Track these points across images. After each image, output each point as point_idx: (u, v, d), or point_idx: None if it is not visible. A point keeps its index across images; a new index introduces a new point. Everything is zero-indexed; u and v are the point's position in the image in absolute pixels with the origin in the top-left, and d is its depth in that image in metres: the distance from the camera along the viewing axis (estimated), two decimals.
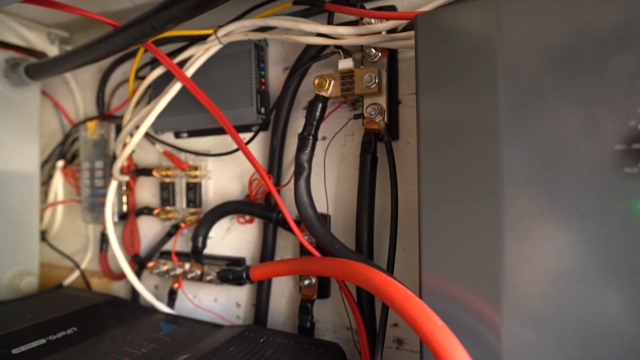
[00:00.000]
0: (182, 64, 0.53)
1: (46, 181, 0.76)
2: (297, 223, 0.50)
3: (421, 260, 0.35)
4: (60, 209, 0.76)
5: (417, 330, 0.29)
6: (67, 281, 0.72)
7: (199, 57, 0.53)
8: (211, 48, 0.52)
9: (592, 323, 0.28)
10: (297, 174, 0.47)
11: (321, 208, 0.53)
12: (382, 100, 0.46)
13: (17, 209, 0.69)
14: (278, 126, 0.53)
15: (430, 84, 0.34)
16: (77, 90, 0.74)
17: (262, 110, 0.54)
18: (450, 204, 0.33)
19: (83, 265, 0.73)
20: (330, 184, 0.53)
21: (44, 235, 0.76)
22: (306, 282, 0.50)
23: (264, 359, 0.41)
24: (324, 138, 0.53)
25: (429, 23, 0.34)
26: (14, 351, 0.45)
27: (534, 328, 0.30)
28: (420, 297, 0.34)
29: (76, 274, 0.72)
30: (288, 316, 0.56)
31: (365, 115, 0.46)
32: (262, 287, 0.55)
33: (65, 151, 0.75)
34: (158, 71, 0.54)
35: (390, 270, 0.43)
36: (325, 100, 0.47)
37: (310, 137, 0.47)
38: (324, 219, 0.52)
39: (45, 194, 0.76)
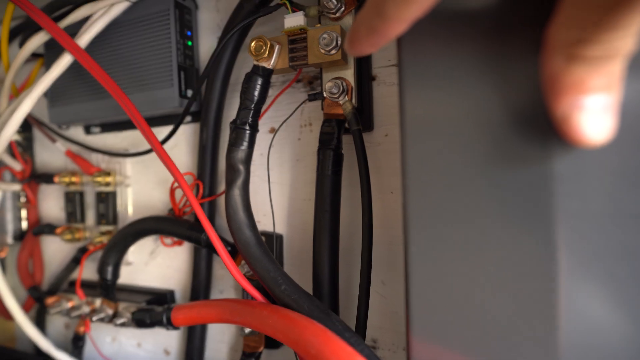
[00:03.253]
0: (77, 28, 0.39)
1: None
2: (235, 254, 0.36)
3: (410, 317, 0.21)
4: None
5: None
6: None
7: (96, 19, 0.38)
8: (114, 7, 0.38)
9: None
10: (229, 181, 0.33)
11: (268, 226, 0.39)
12: (349, 74, 0.33)
13: None
14: (208, 114, 0.39)
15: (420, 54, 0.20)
16: None
17: (188, 93, 0.40)
18: (462, 228, 0.20)
19: None
20: (282, 192, 0.39)
21: None
22: (248, 330, 0.36)
23: None
24: (271, 130, 0.39)
25: None
26: None
27: None
28: None
29: None
30: None
31: (324, 94, 0.33)
32: (194, 330, 0.41)
33: None
34: (38, 39, 0.39)
35: (363, 315, 0.30)
36: (267, 73, 0.33)
37: (247, 127, 0.33)
38: (273, 241, 0.38)
39: None
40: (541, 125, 0.18)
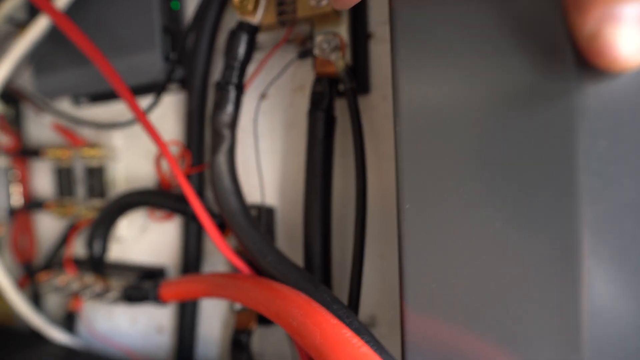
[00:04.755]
0: None
1: None
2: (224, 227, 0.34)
3: (403, 287, 0.19)
4: None
5: None
6: None
7: None
8: None
9: None
10: (213, 147, 0.31)
11: (264, 199, 0.37)
12: (342, 30, 0.30)
13: None
14: (194, 79, 0.36)
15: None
16: None
17: (173, 56, 0.37)
18: (462, 183, 0.17)
19: None
20: (273, 162, 0.36)
21: None
22: (238, 305, 0.35)
23: None
24: (263, 96, 0.37)
25: None
26: None
27: None
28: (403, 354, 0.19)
29: None
30: (224, 349, 0.40)
31: (315, 51, 0.30)
32: (186, 306, 0.40)
33: None
34: (12, 2, 0.37)
35: (355, 288, 0.28)
36: (252, 29, 0.30)
37: (232, 87, 0.30)
38: (262, 214, 0.36)
39: None
40: (560, 50, 0.15)
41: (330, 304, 0.22)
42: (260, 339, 0.38)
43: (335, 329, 0.17)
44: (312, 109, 0.30)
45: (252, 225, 0.29)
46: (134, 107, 0.31)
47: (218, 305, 0.40)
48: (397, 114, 0.19)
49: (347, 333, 0.17)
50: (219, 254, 0.40)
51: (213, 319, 0.41)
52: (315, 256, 0.29)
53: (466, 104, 0.17)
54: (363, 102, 0.32)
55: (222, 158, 0.30)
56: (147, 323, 0.45)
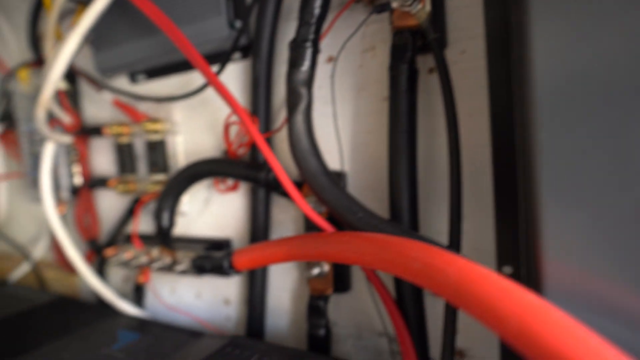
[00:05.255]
0: None
1: None
2: (299, 185, 0.34)
3: (540, 241, 0.18)
4: (3, 187, 0.60)
5: None
6: (15, 276, 0.57)
7: None
8: None
9: None
10: (290, 106, 0.30)
11: (333, 164, 0.36)
12: None
13: None
14: (261, 44, 0.35)
15: None
16: (10, 32, 0.57)
17: (238, 23, 0.37)
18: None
19: (37, 255, 0.58)
20: (343, 127, 0.36)
21: None
22: (315, 271, 0.34)
23: None
24: (330, 59, 0.36)
25: None
26: None
27: None
28: None
29: (25, 267, 0.57)
30: (295, 318, 0.40)
31: (394, 4, 0.29)
32: (255, 278, 0.39)
33: (5, 114, 0.59)
34: None
35: (455, 245, 0.27)
36: None
37: (308, 44, 0.29)
38: (340, 177, 0.35)
39: None
40: None
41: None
42: (333, 307, 0.37)
43: (470, 264, 0.16)
44: (393, 63, 0.29)
45: (335, 185, 0.28)
46: (206, 70, 0.31)
47: (288, 275, 0.40)
48: (528, 79, 0.18)
49: (482, 268, 0.16)
50: (288, 224, 0.39)
51: (282, 290, 0.40)
52: (403, 212, 0.28)
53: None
54: None
55: (300, 117, 0.30)
56: (213, 296, 0.45)
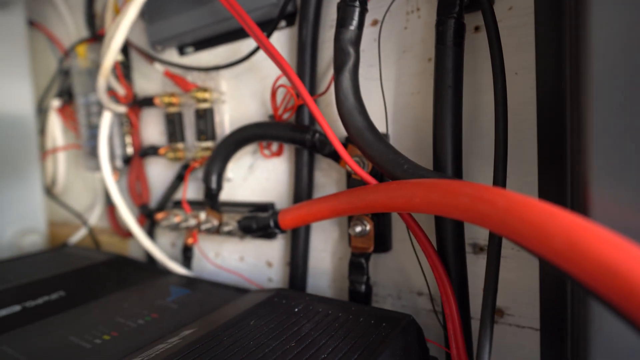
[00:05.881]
0: None
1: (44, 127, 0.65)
2: (344, 146, 0.35)
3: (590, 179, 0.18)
4: (61, 157, 0.65)
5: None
6: (74, 239, 0.62)
7: None
8: None
9: None
10: (338, 65, 0.31)
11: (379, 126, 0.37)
12: None
13: (12, 159, 0.59)
14: (307, 8, 0.37)
15: None
16: (68, 13, 0.61)
17: None
18: None
19: (92, 221, 0.62)
20: (386, 89, 0.36)
21: (49, 190, 0.67)
22: (357, 229, 0.35)
23: (299, 338, 0.26)
24: (374, 22, 0.36)
25: None
26: None
27: None
28: None
29: (83, 231, 0.62)
30: (334, 278, 0.41)
31: None
32: (298, 239, 0.41)
33: (63, 88, 0.63)
34: None
35: None
36: None
37: (357, 4, 0.30)
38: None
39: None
40: None
41: None
42: (374, 267, 0.38)
43: (517, 194, 0.17)
44: (440, 19, 0.29)
45: (380, 140, 0.29)
46: (255, 30, 0.32)
47: (330, 237, 0.41)
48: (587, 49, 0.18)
49: (529, 197, 0.17)
50: (329, 188, 0.41)
51: (323, 252, 0.42)
52: (447, 167, 0.29)
53: None
54: None
55: (347, 75, 0.30)
56: (255, 259, 0.47)
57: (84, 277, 0.44)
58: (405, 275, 0.37)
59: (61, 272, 0.45)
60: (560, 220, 0.15)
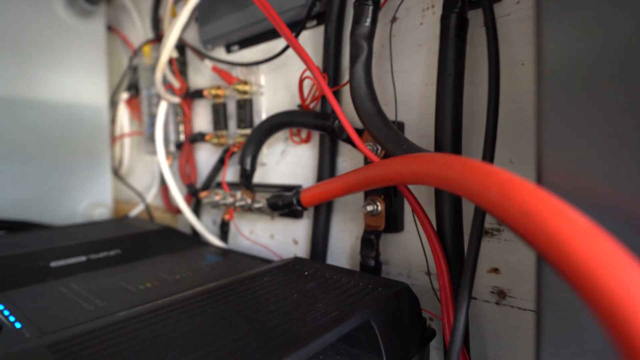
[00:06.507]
0: None
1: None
2: (359, 132, 0.38)
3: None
4: (127, 143, 0.74)
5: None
6: (133, 213, 0.71)
7: None
8: None
9: None
10: (352, 57, 0.34)
11: (390, 115, 0.40)
12: None
13: (89, 144, 0.69)
14: (332, 9, 0.40)
15: None
16: (138, 18, 0.70)
17: None
18: None
19: (149, 200, 0.71)
20: (402, 80, 0.39)
21: (116, 171, 0.76)
22: (369, 208, 0.38)
23: (301, 291, 0.30)
24: (394, 20, 0.39)
25: None
26: (52, 264, 0.43)
27: None
28: None
29: (141, 207, 0.70)
30: (351, 255, 0.45)
31: None
32: (319, 218, 0.45)
33: (131, 83, 0.72)
34: None
35: None
36: None
37: (370, 2, 0.33)
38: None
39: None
40: None
41: None
42: (387, 247, 0.41)
43: (471, 160, 0.19)
44: (445, 13, 0.32)
45: (386, 124, 0.32)
46: (283, 28, 0.37)
47: (349, 219, 0.45)
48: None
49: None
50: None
51: (343, 232, 0.45)
52: (446, 148, 0.31)
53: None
54: (496, 10, 0.33)
55: (360, 66, 0.34)
56: (284, 237, 0.52)
57: (137, 241, 0.52)
58: (416, 256, 0.40)
59: (120, 235, 0.53)
60: (496, 177, 0.18)
